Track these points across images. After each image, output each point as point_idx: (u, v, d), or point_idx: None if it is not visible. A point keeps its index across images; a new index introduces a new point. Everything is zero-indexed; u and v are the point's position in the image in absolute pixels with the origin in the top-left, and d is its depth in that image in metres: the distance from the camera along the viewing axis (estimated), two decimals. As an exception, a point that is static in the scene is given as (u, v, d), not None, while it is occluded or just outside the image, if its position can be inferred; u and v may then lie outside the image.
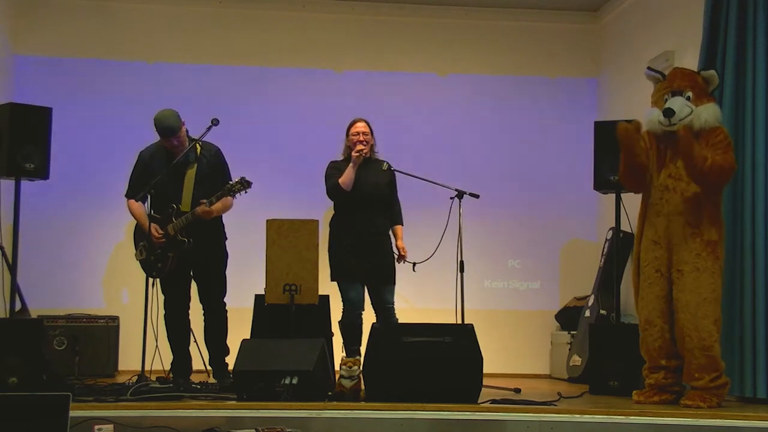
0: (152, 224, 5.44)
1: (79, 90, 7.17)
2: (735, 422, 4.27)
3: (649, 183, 4.97)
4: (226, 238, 5.67)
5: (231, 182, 5.40)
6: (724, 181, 4.82)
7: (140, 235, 5.58)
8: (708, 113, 4.83)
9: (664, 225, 4.87)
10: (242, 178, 5.39)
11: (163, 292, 5.55)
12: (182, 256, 5.44)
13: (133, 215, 5.61)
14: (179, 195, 5.50)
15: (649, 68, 5.18)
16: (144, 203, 5.57)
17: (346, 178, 5.66)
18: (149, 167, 5.52)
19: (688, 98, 4.86)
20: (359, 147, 5.68)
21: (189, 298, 5.59)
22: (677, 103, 4.83)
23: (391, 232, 5.87)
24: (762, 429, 4.24)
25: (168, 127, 5.38)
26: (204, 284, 5.58)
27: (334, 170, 5.76)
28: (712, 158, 4.68)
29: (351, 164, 5.68)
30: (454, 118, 7.58)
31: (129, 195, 5.60)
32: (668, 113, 4.80)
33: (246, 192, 5.41)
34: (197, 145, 5.53)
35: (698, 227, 4.77)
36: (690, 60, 5.90)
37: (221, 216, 5.62)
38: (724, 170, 4.73)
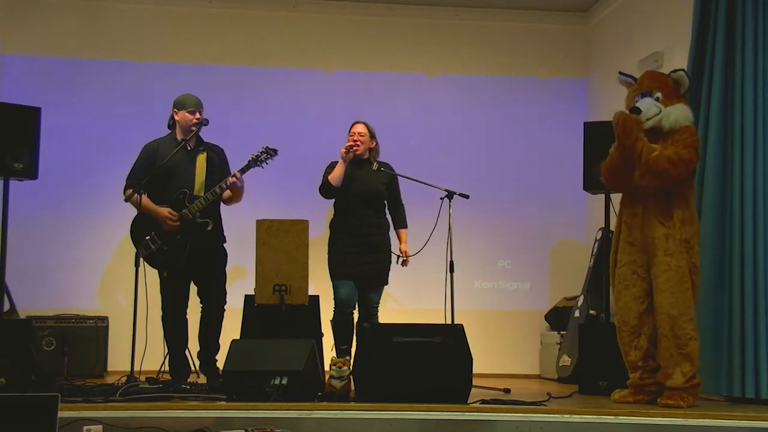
0: (166, 208, 5.36)
1: (68, 90, 7.14)
2: (723, 422, 4.29)
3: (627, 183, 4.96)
4: (225, 240, 5.65)
5: (256, 152, 5.42)
6: (674, 174, 4.70)
7: (143, 228, 5.39)
8: (677, 113, 4.82)
9: (639, 225, 4.87)
10: (266, 147, 5.41)
11: (162, 292, 5.48)
12: (199, 242, 5.38)
13: (136, 207, 5.36)
14: (191, 180, 5.45)
15: (620, 73, 5.17)
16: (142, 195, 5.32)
17: (335, 174, 5.69)
18: (158, 154, 5.44)
19: (657, 99, 4.86)
20: (348, 143, 5.69)
21: (188, 299, 5.53)
22: (645, 103, 4.84)
23: (395, 235, 5.89)
24: (750, 429, 4.26)
25: (198, 101, 5.53)
26: (209, 281, 5.51)
27: (328, 169, 5.79)
28: (660, 150, 4.69)
29: (340, 160, 5.69)
30: (444, 119, 7.58)
31: (131, 185, 5.38)
32: (635, 111, 4.81)
33: (273, 160, 5.44)
34: (201, 138, 5.58)
35: (671, 226, 4.77)
36: (679, 60, 5.91)
37: (221, 218, 5.60)
38: (672, 162, 4.66)
